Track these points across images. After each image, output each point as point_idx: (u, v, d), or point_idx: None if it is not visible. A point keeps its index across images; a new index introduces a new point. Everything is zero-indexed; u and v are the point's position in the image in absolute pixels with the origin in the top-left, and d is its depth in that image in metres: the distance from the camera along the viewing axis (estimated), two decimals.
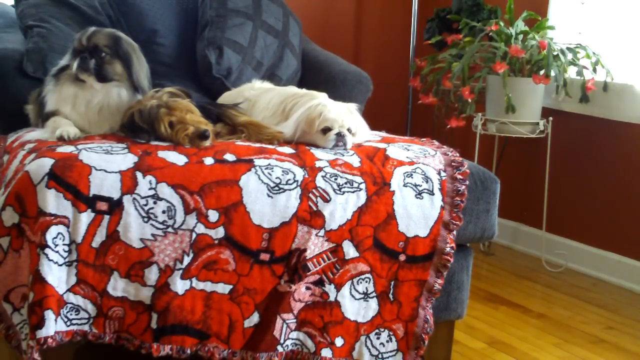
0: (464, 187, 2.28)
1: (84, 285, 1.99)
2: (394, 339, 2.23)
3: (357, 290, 2.19)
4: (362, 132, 2.41)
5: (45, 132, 2.27)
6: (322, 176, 2.16)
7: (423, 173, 2.27)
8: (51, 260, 1.95)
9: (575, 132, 3.79)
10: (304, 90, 2.57)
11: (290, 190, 2.12)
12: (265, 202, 2.09)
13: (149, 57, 2.49)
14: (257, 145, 2.26)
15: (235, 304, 2.09)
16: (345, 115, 2.34)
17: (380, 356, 2.22)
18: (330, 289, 2.16)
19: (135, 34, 2.47)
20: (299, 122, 2.34)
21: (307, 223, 2.12)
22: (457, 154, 2.41)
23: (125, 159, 2.06)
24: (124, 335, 2.04)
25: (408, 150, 2.36)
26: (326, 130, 2.31)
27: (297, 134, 2.34)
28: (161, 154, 2.11)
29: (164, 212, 2.03)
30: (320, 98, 2.42)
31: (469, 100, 3.56)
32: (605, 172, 3.68)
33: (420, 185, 2.24)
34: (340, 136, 2.31)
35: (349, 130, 2.33)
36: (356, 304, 2.19)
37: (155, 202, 2.02)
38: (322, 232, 2.13)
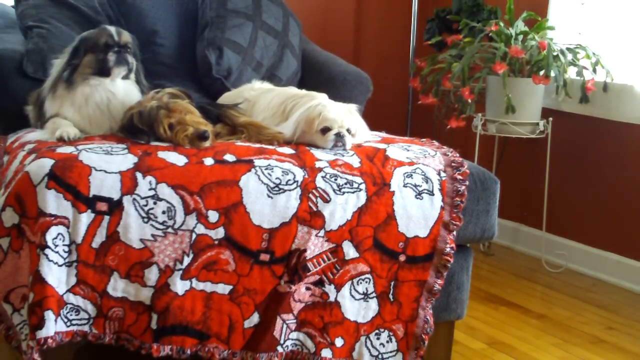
0: (463, 187, 2.28)
1: (84, 285, 2.00)
2: (394, 339, 2.23)
3: (357, 291, 2.19)
4: (361, 133, 2.41)
5: (45, 133, 2.27)
6: (322, 177, 2.16)
7: (423, 173, 2.27)
8: (51, 260, 1.95)
9: (575, 133, 3.79)
10: (304, 91, 2.57)
11: (290, 190, 2.12)
12: (265, 203, 2.09)
13: (149, 57, 2.51)
14: (257, 145, 2.26)
15: (235, 304, 2.09)
16: (345, 116, 2.34)
17: (380, 356, 2.22)
18: (330, 289, 2.16)
19: (135, 34, 2.47)
20: (299, 122, 2.34)
21: (307, 223, 2.12)
22: (457, 155, 2.41)
23: (125, 160, 2.06)
24: (124, 336, 2.04)
25: (408, 150, 2.36)
26: (325, 130, 2.31)
27: (297, 134, 2.34)
28: (161, 154, 2.11)
29: (164, 212, 2.03)
30: (320, 98, 2.42)
31: (469, 100, 3.56)
32: (605, 172, 3.68)
33: (420, 185, 2.24)
34: (339, 136, 2.31)
35: (348, 130, 2.33)
36: (356, 305, 2.19)
37: (155, 203, 2.02)
38: (322, 233, 2.13)
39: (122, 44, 2.32)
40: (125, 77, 2.34)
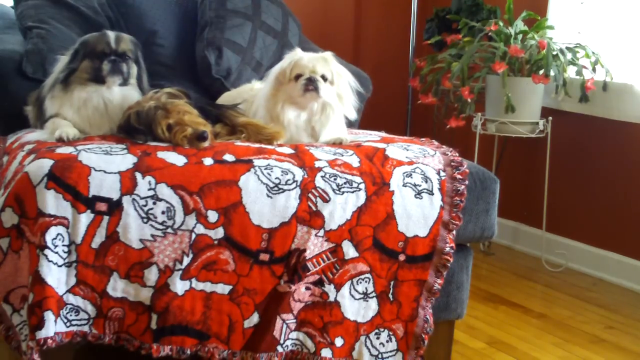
0: (463, 186, 2.28)
1: (83, 286, 1.99)
2: (393, 339, 2.23)
3: (356, 290, 2.19)
4: (342, 82, 2.43)
5: (45, 133, 2.27)
6: (322, 176, 2.16)
7: (422, 173, 2.27)
8: (51, 261, 1.95)
9: (575, 132, 3.79)
10: None
11: (289, 190, 2.12)
12: (265, 203, 2.09)
13: (149, 58, 2.50)
14: (257, 145, 2.26)
15: (235, 304, 2.09)
16: (318, 62, 2.38)
17: (380, 356, 2.22)
18: (329, 289, 2.16)
19: (134, 35, 2.47)
20: (273, 74, 2.39)
21: (306, 223, 2.12)
22: (457, 154, 2.41)
23: (125, 160, 2.06)
24: (124, 336, 2.04)
25: (407, 150, 2.36)
26: (298, 77, 2.34)
27: (274, 86, 2.38)
28: (160, 154, 2.11)
29: (163, 212, 2.03)
30: (296, 50, 2.47)
31: (469, 100, 3.56)
32: (605, 172, 3.68)
33: (420, 185, 2.24)
34: (310, 81, 2.33)
35: (323, 78, 2.35)
36: (356, 304, 2.19)
37: (154, 203, 2.02)
38: (321, 232, 2.13)
39: (119, 52, 2.30)
40: (123, 84, 2.33)
